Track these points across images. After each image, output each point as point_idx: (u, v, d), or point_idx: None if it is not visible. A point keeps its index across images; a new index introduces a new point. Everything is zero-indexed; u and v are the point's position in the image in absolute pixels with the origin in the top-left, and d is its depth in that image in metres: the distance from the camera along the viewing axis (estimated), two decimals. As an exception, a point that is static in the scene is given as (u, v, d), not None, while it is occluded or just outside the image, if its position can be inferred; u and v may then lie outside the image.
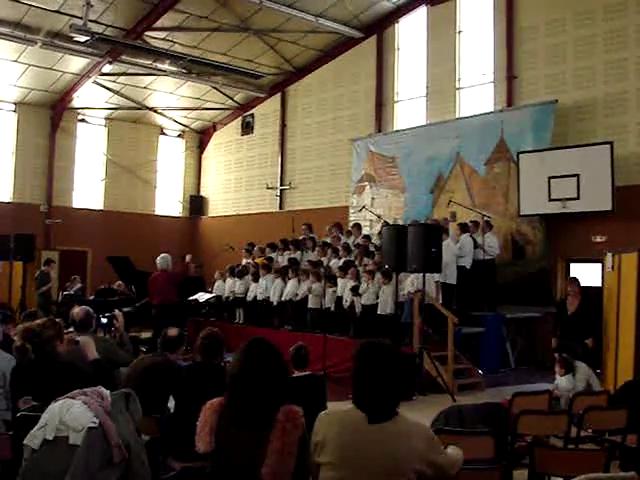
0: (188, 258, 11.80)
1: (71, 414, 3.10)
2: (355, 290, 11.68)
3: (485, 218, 12.77)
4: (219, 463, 3.11)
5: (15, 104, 19.04)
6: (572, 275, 10.13)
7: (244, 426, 3.10)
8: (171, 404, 4.82)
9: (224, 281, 15.09)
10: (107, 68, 17.47)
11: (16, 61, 16.74)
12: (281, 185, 19.46)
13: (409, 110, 16.49)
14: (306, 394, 5.06)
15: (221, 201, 21.77)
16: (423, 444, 2.85)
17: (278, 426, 3.03)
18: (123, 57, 16.96)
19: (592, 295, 9.90)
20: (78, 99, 19.26)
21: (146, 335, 13.12)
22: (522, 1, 14.04)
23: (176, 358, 5.35)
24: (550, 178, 12.34)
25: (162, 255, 11.77)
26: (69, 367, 4.55)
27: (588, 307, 9.54)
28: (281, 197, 19.49)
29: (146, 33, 16.22)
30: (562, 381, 7.61)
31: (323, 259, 13.49)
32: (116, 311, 6.47)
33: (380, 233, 12.59)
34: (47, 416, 3.14)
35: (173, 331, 5.39)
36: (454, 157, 14.43)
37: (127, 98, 19.64)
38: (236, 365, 3.22)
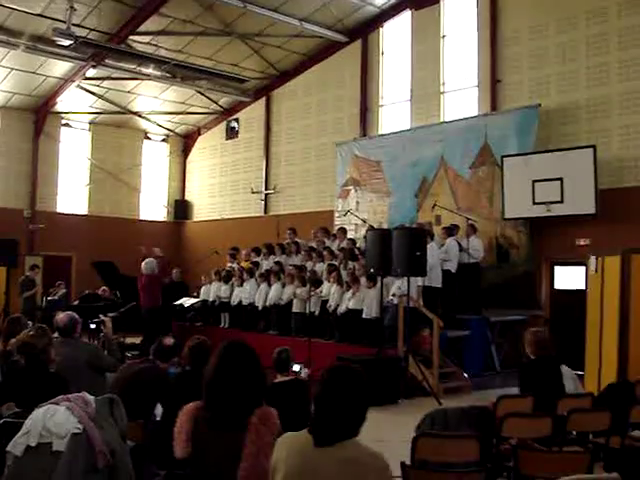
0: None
1: (55, 420, 3.08)
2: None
3: (469, 221, 12.82)
4: (197, 467, 3.11)
5: (-2, 108, 18.92)
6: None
7: (219, 429, 3.10)
8: (158, 411, 4.80)
9: (210, 285, 15.05)
10: (91, 72, 17.40)
11: (-2, 65, 16.64)
12: (266, 189, 19.43)
13: (393, 114, 16.52)
14: (289, 399, 5.06)
15: (206, 205, 21.70)
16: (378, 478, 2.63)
17: (252, 429, 3.04)
18: (107, 61, 16.89)
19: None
20: (62, 103, 19.15)
21: (131, 340, 13.08)
22: (505, 6, 14.14)
23: (166, 367, 5.33)
24: (534, 182, 12.41)
25: (147, 260, 11.75)
26: (57, 376, 4.52)
27: None
28: (266, 201, 19.47)
29: (130, 37, 16.16)
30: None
31: (308, 263, 13.50)
32: (104, 317, 6.44)
33: (365, 237, 12.60)
34: (30, 422, 3.12)
35: (169, 340, 5.38)
36: (438, 161, 14.48)
37: (111, 102, 19.54)
38: (211, 368, 3.23)
